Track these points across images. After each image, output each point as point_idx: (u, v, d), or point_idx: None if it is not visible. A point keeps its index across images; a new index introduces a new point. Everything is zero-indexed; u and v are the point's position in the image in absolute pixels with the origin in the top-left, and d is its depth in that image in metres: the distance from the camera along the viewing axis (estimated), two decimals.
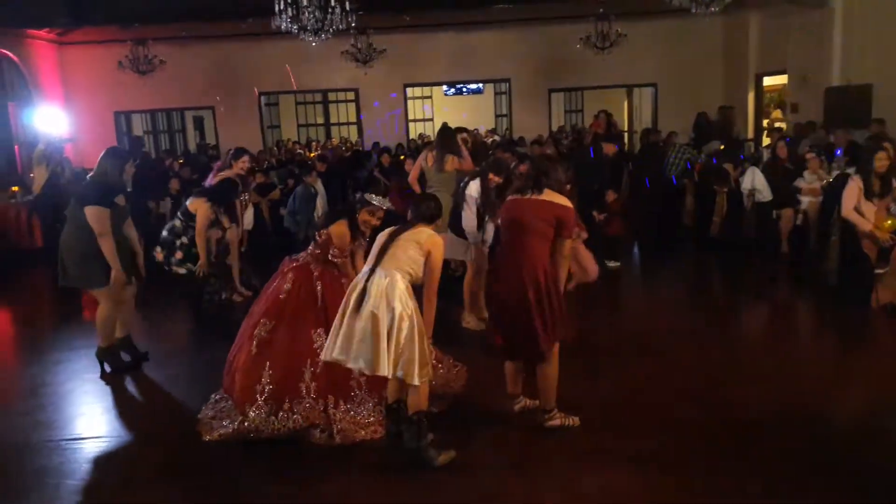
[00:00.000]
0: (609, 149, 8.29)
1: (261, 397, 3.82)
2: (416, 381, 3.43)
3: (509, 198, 3.92)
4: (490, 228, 5.35)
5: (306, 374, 3.86)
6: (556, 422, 3.87)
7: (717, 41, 13.68)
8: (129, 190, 5.15)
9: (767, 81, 12.83)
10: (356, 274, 3.82)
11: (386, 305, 3.39)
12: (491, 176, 5.36)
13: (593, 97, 15.45)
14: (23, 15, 9.83)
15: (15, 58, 12.13)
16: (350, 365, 3.50)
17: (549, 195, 3.75)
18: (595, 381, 4.57)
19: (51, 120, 11.92)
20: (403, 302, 3.41)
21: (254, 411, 3.81)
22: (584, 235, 5.56)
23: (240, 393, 3.91)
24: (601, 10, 11.98)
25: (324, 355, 3.61)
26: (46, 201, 8.70)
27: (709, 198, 8.47)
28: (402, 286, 3.44)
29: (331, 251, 4.13)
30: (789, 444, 3.68)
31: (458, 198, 5.55)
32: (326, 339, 3.69)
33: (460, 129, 6.16)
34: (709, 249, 8.28)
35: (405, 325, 3.40)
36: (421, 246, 3.52)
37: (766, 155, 8.61)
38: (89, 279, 4.92)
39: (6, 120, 11.86)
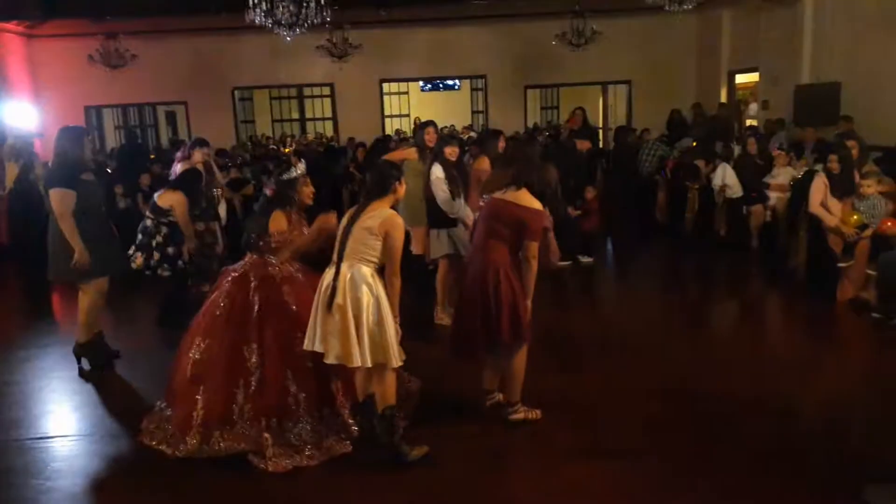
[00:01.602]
0: (583, 145, 8.36)
1: (196, 424, 3.66)
2: (395, 364, 3.43)
3: (490, 196, 3.93)
4: (463, 206, 5.34)
5: (239, 396, 3.67)
6: (520, 415, 3.91)
7: (690, 38, 13.82)
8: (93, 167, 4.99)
9: (740, 79, 12.99)
10: (296, 250, 3.84)
11: (352, 297, 3.38)
12: (446, 151, 5.37)
13: (569, 94, 15.53)
14: None
15: None
16: (326, 360, 3.47)
17: (521, 196, 3.73)
18: (568, 375, 4.61)
19: (20, 114, 11.70)
20: (369, 289, 3.41)
21: (192, 439, 3.65)
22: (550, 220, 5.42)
23: (178, 421, 3.76)
24: (577, 7, 12.04)
25: (305, 345, 3.54)
26: (16, 197, 8.55)
27: (681, 194, 8.57)
28: (366, 273, 3.42)
29: (271, 243, 3.90)
30: (758, 437, 3.74)
31: (427, 189, 5.43)
32: (256, 355, 3.65)
33: (429, 123, 6.07)
34: (681, 245, 8.39)
35: (372, 310, 3.39)
36: (373, 230, 3.41)
37: (737, 151, 8.72)
38: (76, 271, 4.80)
39: None
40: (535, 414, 3.94)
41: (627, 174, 9.77)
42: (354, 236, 3.45)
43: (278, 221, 3.89)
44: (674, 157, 9.48)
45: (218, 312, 3.82)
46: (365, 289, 3.41)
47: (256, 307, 3.75)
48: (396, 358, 3.44)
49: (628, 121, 13.69)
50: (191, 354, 3.79)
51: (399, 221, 3.48)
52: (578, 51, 12.51)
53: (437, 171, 5.34)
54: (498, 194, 3.84)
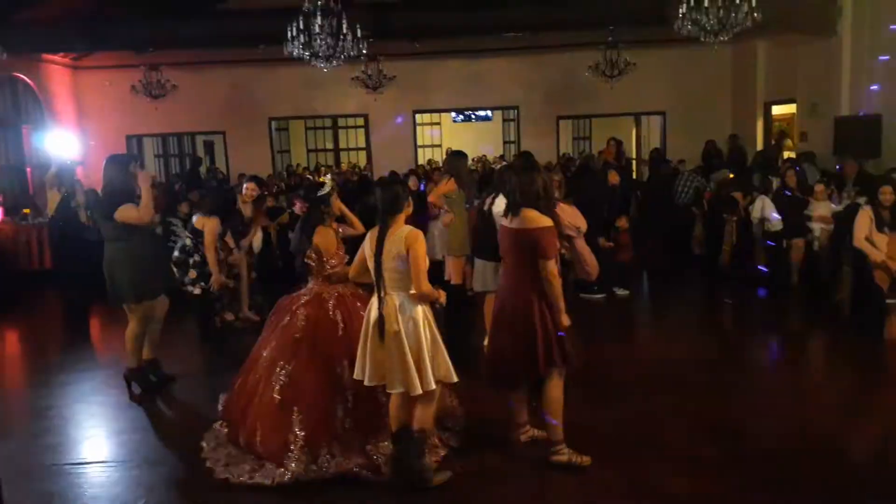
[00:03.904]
0: (613, 178, 8.27)
1: (295, 447, 3.65)
2: (455, 378, 3.49)
3: (501, 224, 3.90)
4: None
5: (339, 411, 3.73)
6: (563, 458, 3.73)
7: (725, 69, 13.75)
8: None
9: (776, 110, 12.86)
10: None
11: (406, 322, 3.42)
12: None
13: (602, 125, 15.52)
14: (40, 40, 9.98)
15: (30, 82, 12.30)
16: (390, 390, 3.48)
17: (524, 218, 3.63)
18: (606, 410, 4.50)
19: (63, 143, 12.03)
20: (417, 312, 3.45)
21: (293, 464, 3.62)
22: (583, 228, 5.30)
23: (267, 446, 3.72)
24: (610, 38, 12.08)
25: (356, 375, 3.56)
26: (58, 224, 8.74)
27: (718, 226, 8.44)
28: (410, 298, 3.45)
29: (327, 266, 4.04)
30: (803, 476, 3.61)
31: (483, 220, 5.33)
32: (348, 371, 3.68)
33: (461, 154, 6.14)
34: (719, 279, 8.23)
35: (427, 331, 3.44)
36: (402, 255, 3.43)
37: (776, 183, 8.58)
38: (119, 295, 4.94)
39: (20, 143, 11.98)
40: (583, 460, 3.73)
41: (662, 205, 9.66)
42: (387, 267, 3.47)
43: (325, 237, 4.00)
44: (710, 189, 9.36)
45: (298, 335, 3.87)
46: (418, 310, 3.45)
47: (341, 325, 3.84)
48: (453, 374, 3.50)
49: (662, 152, 13.58)
50: (273, 378, 3.81)
51: (418, 234, 3.51)
52: (612, 82, 12.52)
53: (502, 205, 5.21)
54: (504, 222, 3.79)
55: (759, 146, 12.66)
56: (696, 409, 4.53)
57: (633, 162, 14.97)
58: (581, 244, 4.00)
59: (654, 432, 4.20)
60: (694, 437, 4.11)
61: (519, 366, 3.70)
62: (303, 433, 3.68)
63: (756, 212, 7.81)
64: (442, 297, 3.59)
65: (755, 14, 7.21)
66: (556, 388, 3.70)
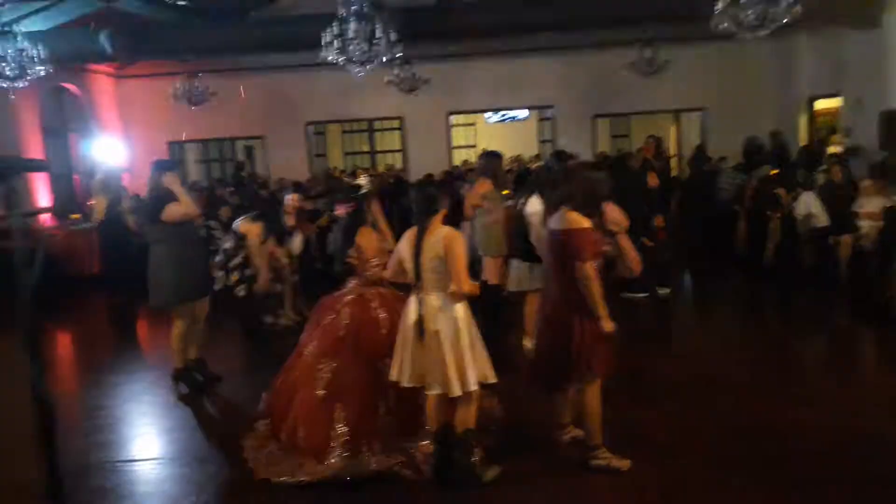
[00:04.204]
0: (652, 180, 8.15)
1: (337, 443, 3.70)
2: (494, 379, 3.49)
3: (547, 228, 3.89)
4: None
5: (381, 409, 3.77)
6: (602, 462, 3.70)
7: (767, 64, 13.46)
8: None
9: (820, 105, 12.55)
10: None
11: (444, 320, 3.43)
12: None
13: (640, 122, 15.33)
14: (85, 50, 10.27)
15: (77, 91, 12.69)
16: (429, 392, 3.49)
17: (564, 219, 3.59)
18: (645, 409, 4.46)
19: (109, 150, 12.38)
20: (458, 311, 3.46)
21: (334, 459, 3.67)
22: (625, 224, 5.25)
23: (310, 442, 3.77)
24: (647, 36, 11.93)
25: (393, 376, 3.58)
26: (105, 229, 9.00)
27: (761, 224, 8.28)
28: (449, 298, 3.46)
29: (368, 266, 4.07)
30: (848, 477, 3.54)
31: (517, 220, 5.33)
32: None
33: (497, 154, 6.16)
34: (763, 277, 8.07)
35: (466, 330, 3.44)
36: (440, 255, 3.44)
37: (820, 179, 8.38)
38: (161, 296, 5.06)
39: (67, 150, 12.37)
40: (622, 463, 3.69)
41: (703, 203, 9.51)
42: (426, 268, 3.49)
43: (367, 237, 4.05)
44: (753, 186, 9.18)
45: (341, 333, 3.93)
46: (458, 309, 3.45)
47: (384, 324, 3.88)
48: (492, 374, 3.49)
49: (699, 148, 13.37)
50: (317, 375, 3.87)
51: (456, 235, 3.52)
52: (649, 79, 12.37)
53: (537, 205, 5.10)
54: (550, 224, 3.77)
55: (803, 142, 12.38)
56: (738, 409, 4.46)
57: (674, 159, 14.75)
58: (624, 239, 3.98)
59: (694, 433, 4.14)
60: (735, 437, 4.04)
61: (556, 371, 3.68)
62: (345, 429, 3.72)
63: (800, 208, 7.65)
64: (477, 290, 3.58)
65: (796, 8, 7.05)
66: (592, 396, 3.66)
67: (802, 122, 12.67)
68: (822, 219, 7.49)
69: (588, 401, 3.66)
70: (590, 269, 3.50)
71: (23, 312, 1.57)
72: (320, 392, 3.83)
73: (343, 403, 3.78)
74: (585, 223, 3.56)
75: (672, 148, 15.46)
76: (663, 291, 7.41)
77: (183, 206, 4.96)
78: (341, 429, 3.73)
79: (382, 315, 3.93)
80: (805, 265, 7.71)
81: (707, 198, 9.60)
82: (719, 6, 7.31)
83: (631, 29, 11.55)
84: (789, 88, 12.98)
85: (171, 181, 5.03)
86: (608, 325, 3.55)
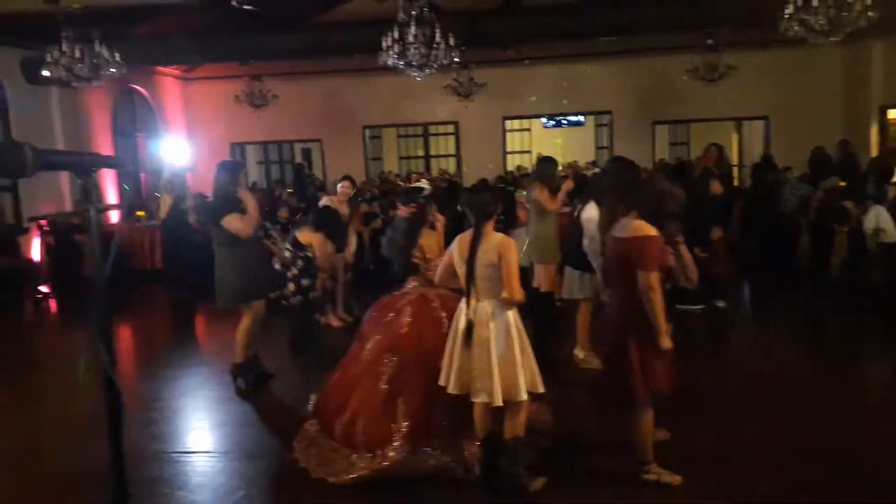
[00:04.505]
0: (716, 188, 7.93)
1: (398, 436, 3.73)
2: (541, 388, 3.45)
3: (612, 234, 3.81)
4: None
5: (440, 407, 3.78)
6: (652, 477, 3.61)
7: (836, 72, 12.98)
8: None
9: (893, 114, 12.02)
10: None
11: (496, 327, 3.41)
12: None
13: (700, 130, 14.99)
14: (155, 53, 10.65)
15: (145, 93, 13.18)
16: (475, 399, 3.47)
17: (630, 227, 3.51)
18: (698, 425, 4.33)
19: (174, 150, 12.81)
20: (509, 318, 3.44)
21: (393, 452, 3.70)
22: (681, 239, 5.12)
23: (370, 434, 3.79)
24: (709, 41, 11.65)
25: (441, 381, 3.58)
26: (169, 226, 9.31)
27: (827, 237, 7.98)
28: (500, 305, 3.44)
29: (430, 267, 4.10)
30: None
31: (573, 227, 5.27)
32: None
33: (552, 160, 6.13)
34: (827, 292, 7.76)
35: (517, 339, 3.42)
36: (494, 262, 3.42)
37: (892, 192, 8.02)
38: (227, 295, 5.18)
39: (135, 150, 12.85)
40: (673, 479, 3.60)
41: (766, 214, 9.22)
42: (480, 274, 3.47)
43: (430, 239, 4.12)
44: (819, 198, 8.85)
45: (404, 331, 3.96)
46: (509, 316, 3.43)
47: (445, 324, 3.88)
48: (540, 384, 3.46)
49: (767, 159, 12.97)
50: (381, 370, 3.91)
51: (510, 242, 3.50)
52: (710, 85, 12.08)
53: (593, 212, 5.01)
54: (614, 232, 3.69)
55: (873, 152, 11.88)
56: (800, 427, 4.29)
57: (735, 169, 14.36)
58: (685, 249, 3.89)
59: (752, 450, 4.00)
60: (792, 456, 3.90)
61: (611, 387, 3.62)
62: (406, 423, 3.75)
63: (869, 223, 7.33)
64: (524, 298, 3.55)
65: (870, 13, 6.77)
66: (645, 415, 3.56)
67: (873, 131, 12.17)
68: (892, 234, 7.17)
69: (640, 421, 3.58)
70: (654, 279, 3.39)
71: (96, 303, 1.62)
72: (383, 386, 3.86)
73: (405, 398, 3.80)
74: (652, 231, 3.47)
75: (734, 157, 15.06)
76: (720, 304, 7.21)
77: (240, 222, 5.01)
78: (403, 423, 3.75)
79: (443, 315, 3.93)
80: (872, 282, 7.38)
81: (770, 209, 9.31)
82: (788, 10, 7.08)
83: (691, 34, 11.31)
84: (859, 97, 12.49)
85: (245, 196, 5.13)
86: (666, 342, 3.43)
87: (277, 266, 6.28)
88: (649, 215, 3.51)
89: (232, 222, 5.01)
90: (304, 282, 6.15)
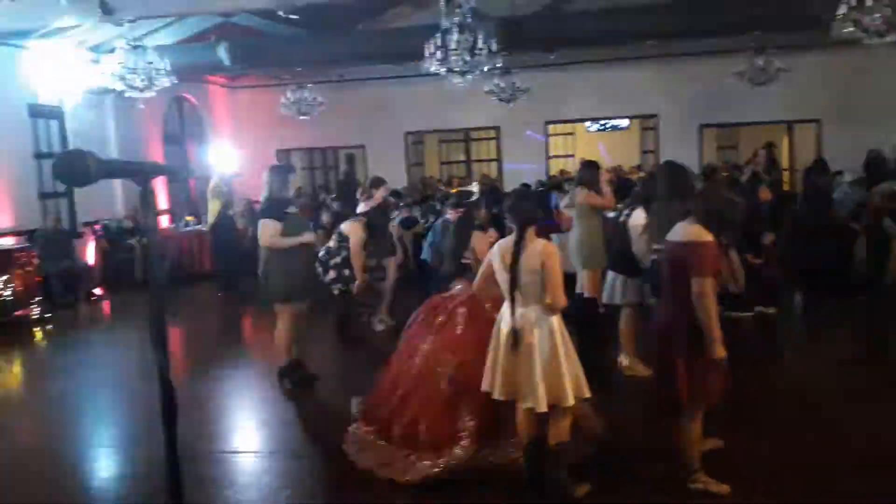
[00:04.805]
0: (764, 194, 7.74)
1: (464, 434, 3.75)
2: (587, 393, 3.44)
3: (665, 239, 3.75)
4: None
5: (501, 408, 3.75)
6: (699, 486, 3.53)
7: (891, 73, 12.54)
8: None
9: None
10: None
11: (540, 333, 3.39)
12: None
13: (750, 133, 14.66)
14: (204, 62, 10.92)
15: (193, 100, 13.53)
16: (522, 404, 3.46)
17: (686, 232, 3.44)
18: (751, 438, 4.21)
19: (222, 156, 13.10)
20: (553, 324, 3.42)
21: (459, 450, 3.71)
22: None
23: (435, 435, 3.80)
24: (759, 44, 11.38)
25: (484, 386, 3.57)
26: (218, 230, 9.52)
27: (883, 244, 7.71)
28: (543, 310, 3.43)
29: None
30: None
31: (618, 232, 5.23)
32: None
33: (595, 164, 6.08)
34: (882, 300, 7.48)
35: (562, 344, 3.40)
36: (536, 269, 3.41)
37: None
38: (270, 294, 5.30)
39: (185, 156, 13.20)
40: (721, 488, 3.51)
41: (819, 219, 8.94)
42: (523, 281, 3.46)
43: (480, 241, 4.12)
44: (874, 203, 8.55)
45: (459, 331, 3.99)
46: (553, 322, 3.42)
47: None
48: (586, 389, 3.44)
49: (820, 163, 12.61)
50: (441, 370, 3.92)
51: (553, 249, 3.50)
52: (759, 88, 11.80)
53: (641, 218, 4.97)
54: (669, 236, 3.61)
55: None
56: (851, 442, 4.15)
57: (786, 172, 13.99)
58: (733, 253, 3.83)
59: (802, 464, 3.88)
60: (846, 470, 3.77)
61: (660, 395, 3.58)
62: (472, 423, 3.76)
63: None
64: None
65: None
66: (693, 423, 3.49)
67: None
68: None
69: (688, 430, 3.52)
70: (708, 285, 3.31)
71: (152, 303, 1.67)
72: (445, 387, 3.88)
73: (468, 398, 3.80)
74: (708, 237, 3.38)
75: (784, 161, 14.67)
76: (769, 311, 7.02)
77: (271, 237, 5.13)
78: (469, 422, 3.76)
79: (496, 315, 3.91)
80: None
81: (823, 213, 9.03)
82: (842, 11, 6.88)
83: (739, 36, 11.08)
84: None
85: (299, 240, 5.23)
86: (720, 352, 3.33)
87: (322, 253, 6.42)
88: (709, 222, 3.43)
89: (263, 229, 5.12)
90: (346, 272, 6.35)
